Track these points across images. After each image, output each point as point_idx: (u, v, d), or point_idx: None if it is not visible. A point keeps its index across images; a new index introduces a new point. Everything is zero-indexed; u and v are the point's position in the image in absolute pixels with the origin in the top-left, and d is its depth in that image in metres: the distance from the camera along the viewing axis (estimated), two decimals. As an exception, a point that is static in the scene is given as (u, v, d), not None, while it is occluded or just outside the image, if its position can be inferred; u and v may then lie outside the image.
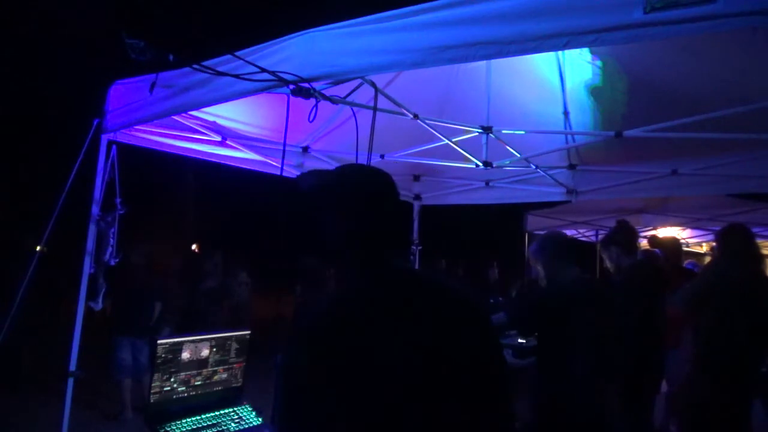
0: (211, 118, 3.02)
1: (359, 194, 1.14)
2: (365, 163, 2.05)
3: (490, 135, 3.01)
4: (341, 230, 1.12)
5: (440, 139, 3.06)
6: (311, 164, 3.92)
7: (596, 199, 4.46)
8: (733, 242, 3.15)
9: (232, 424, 2.13)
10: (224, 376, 2.27)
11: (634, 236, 3.52)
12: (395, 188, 1.20)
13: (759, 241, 3.50)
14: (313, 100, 2.04)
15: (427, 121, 2.84)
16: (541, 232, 7.92)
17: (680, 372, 3.70)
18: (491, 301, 5.89)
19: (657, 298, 3.34)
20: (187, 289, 7.49)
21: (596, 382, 2.46)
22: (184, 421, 2.03)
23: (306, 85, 1.98)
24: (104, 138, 2.89)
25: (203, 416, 2.10)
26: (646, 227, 6.56)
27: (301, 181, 1.20)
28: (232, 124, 3.21)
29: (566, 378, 2.42)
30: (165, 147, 3.18)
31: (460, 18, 1.68)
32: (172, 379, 2.07)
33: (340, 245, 1.13)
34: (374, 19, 1.87)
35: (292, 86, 1.98)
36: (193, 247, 17.40)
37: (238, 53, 2.08)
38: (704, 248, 8.66)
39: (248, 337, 2.34)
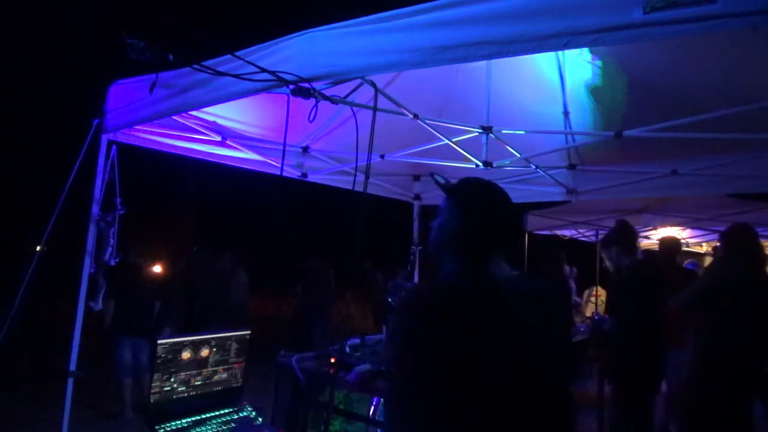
0: (211, 118, 3.02)
1: (480, 199, 1.32)
2: (366, 163, 2.04)
3: (490, 135, 3.01)
4: (460, 226, 1.28)
5: (440, 139, 3.06)
6: (311, 164, 3.93)
7: (596, 199, 4.46)
8: (737, 242, 3.15)
9: (232, 424, 2.13)
10: (224, 376, 2.27)
11: (634, 236, 3.52)
12: (513, 205, 1.35)
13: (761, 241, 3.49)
14: (313, 100, 2.04)
15: (427, 121, 2.83)
16: (543, 232, 7.96)
17: (681, 372, 3.71)
18: None
19: (657, 298, 3.34)
20: (187, 289, 7.50)
21: None
22: (184, 420, 2.03)
23: (306, 85, 1.98)
24: (104, 138, 2.90)
25: (203, 416, 2.11)
26: (646, 227, 6.56)
27: (437, 178, 1.42)
28: (232, 124, 3.21)
29: None
30: (165, 147, 3.18)
31: (460, 18, 1.68)
32: (172, 379, 2.07)
33: (455, 238, 1.28)
34: (374, 19, 1.87)
35: (292, 86, 1.98)
36: (194, 247, 17.41)
37: (238, 53, 2.08)
38: (704, 248, 8.67)
39: (248, 337, 2.35)
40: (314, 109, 2.05)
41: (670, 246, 4.66)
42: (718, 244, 4.31)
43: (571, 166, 3.87)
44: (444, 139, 3.06)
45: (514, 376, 1.11)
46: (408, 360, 1.09)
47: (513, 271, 1.30)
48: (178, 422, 2.02)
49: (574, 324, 4.74)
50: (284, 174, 3.70)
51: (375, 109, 2.12)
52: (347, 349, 2.58)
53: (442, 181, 1.40)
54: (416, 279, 4.44)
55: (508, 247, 1.32)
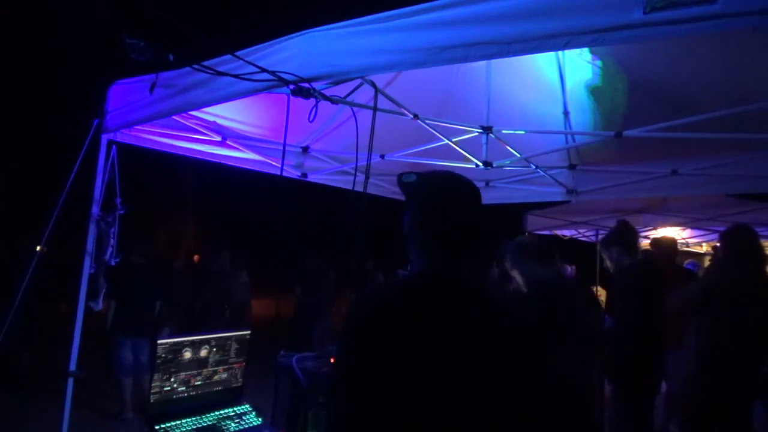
0: (211, 118, 3.02)
1: (433, 196, 1.24)
2: (366, 163, 2.04)
3: (490, 135, 3.01)
4: (413, 223, 1.24)
5: (440, 139, 3.05)
6: (311, 164, 3.92)
7: (596, 199, 4.46)
8: (737, 243, 3.15)
9: (232, 424, 2.13)
10: (224, 376, 2.27)
11: (635, 236, 3.52)
12: (474, 199, 1.26)
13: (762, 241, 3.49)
14: (313, 100, 2.04)
15: (427, 121, 2.83)
16: (543, 232, 7.95)
17: (681, 372, 3.71)
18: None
19: (657, 298, 3.34)
20: (187, 288, 7.51)
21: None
22: (184, 421, 2.03)
23: (306, 85, 1.98)
24: (104, 138, 2.90)
25: (203, 416, 2.11)
26: (646, 227, 6.56)
27: (405, 177, 1.35)
28: (232, 124, 3.20)
29: None
30: (165, 147, 3.18)
31: (460, 18, 1.68)
32: (172, 379, 2.07)
33: (409, 235, 1.25)
34: (374, 19, 1.87)
35: (292, 86, 1.98)
36: (194, 247, 17.41)
37: (238, 53, 2.08)
38: (704, 248, 8.66)
39: (248, 337, 2.35)
40: (314, 109, 2.05)
41: (669, 246, 4.66)
42: (717, 244, 4.31)
43: (571, 166, 3.87)
44: (444, 139, 3.05)
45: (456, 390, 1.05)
46: (342, 359, 1.09)
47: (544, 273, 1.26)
48: (178, 422, 2.02)
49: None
50: (284, 174, 3.70)
51: (375, 109, 2.12)
52: (347, 349, 2.57)
53: (411, 179, 1.33)
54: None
55: (474, 245, 1.23)
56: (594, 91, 3.15)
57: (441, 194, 1.23)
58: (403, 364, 1.02)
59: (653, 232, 6.96)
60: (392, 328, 1.04)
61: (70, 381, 2.74)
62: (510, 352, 1.14)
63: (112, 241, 2.96)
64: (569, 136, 3.60)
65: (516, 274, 2.66)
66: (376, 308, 1.09)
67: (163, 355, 2.03)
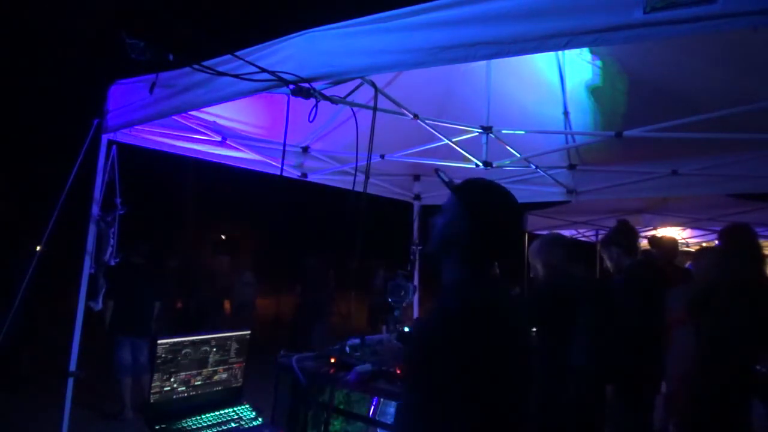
0: (211, 118, 3.02)
1: (491, 204, 1.30)
2: (366, 163, 2.04)
3: (490, 135, 3.01)
4: (468, 231, 1.26)
5: (440, 139, 3.05)
6: (311, 164, 3.92)
7: (596, 199, 4.45)
8: (736, 242, 3.15)
9: (232, 424, 2.13)
10: (224, 376, 2.27)
11: (635, 236, 3.52)
12: (522, 212, 1.38)
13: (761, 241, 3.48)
14: (313, 100, 2.04)
15: (427, 121, 2.83)
16: (542, 232, 7.95)
17: (673, 372, 3.72)
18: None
19: (657, 298, 3.34)
20: (187, 289, 7.50)
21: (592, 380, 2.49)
22: (184, 421, 2.03)
23: (306, 85, 1.98)
24: (104, 138, 2.89)
25: (203, 416, 2.11)
26: (646, 227, 6.56)
27: (442, 175, 1.38)
28: (232, 124, 3.20)
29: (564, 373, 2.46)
30: (165, 147, 3.18)
31: (460, 18, 1.68)
32: (172, 379, 2.07)
33: (460, 243, 1.27)
34: (374, 19, 1.87)
35: (292, 86, 1.98)
36: (193, 247, 17.39)
37: (238, 53, 2.08)
38: (704, 248, 8.65)
39: (248, 337, 2.35)
40: (314, 109, 2.05)
41: (671, 246, 4.66)
42: (704, 244, 4.32)
43: (571, 166, 3.87)
44: (444, 139, 3.05)
45: (523, 396, 1.20)
46: (425, 385, 1.12)
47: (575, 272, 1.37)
48: (178, 422, 2.02)
49: None
50: (284, 174, 3.70)
51: (375, 109, 2.12)
52: (347, 349, 2.58)
53: (446, 178, 1.37)
54: (416, 279, 4.44)
55: (512, 253, 1.33)
56: (594, 91, 3.15)
57: (508, 211, 1.31)
58: (485, 371, 1.10)
59: (653, 232, 6.96)
60: (475, 342, 1.10)
61: (70, 381, 2.74)
62: (528, 347, 1.29)
63: (112, 241, 2.96)
64: (569, 136, 3.60)
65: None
66: (462, 327, 1.12)
67: (163, 355, 2.03)
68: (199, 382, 2.16)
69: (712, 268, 3.54)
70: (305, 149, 3.73)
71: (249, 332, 2.36)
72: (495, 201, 1.30)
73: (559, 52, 2.94)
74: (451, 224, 1.29)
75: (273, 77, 1.97)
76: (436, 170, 1.36)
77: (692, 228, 7.13)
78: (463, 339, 1.09)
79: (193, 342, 2.13)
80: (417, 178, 4.75)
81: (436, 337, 1.13)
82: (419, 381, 1.15)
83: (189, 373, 2.12)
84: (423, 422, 1.12)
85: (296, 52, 2.02)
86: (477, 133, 3.02)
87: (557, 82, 3.21)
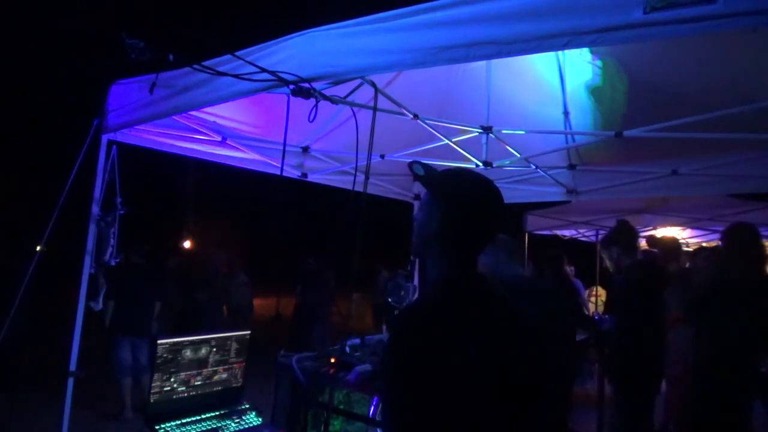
0: (211, 118, 3.02)
1: (473, 201, 1.22)
2: (366, 163, 2.04)
3: (490, 135, 3.01)
4: (441, 223, 1.21)
5: (440, 139, 3.06)
6: (311, 164, 3.92)
7: (596, 199, 4.46)
8: (738, 241, 3.15)
9: (232, 424, 2.13)
10: (224, 376, 2.27)
11: (635, 236, 3.52)
12: (502, 202, 1.27)
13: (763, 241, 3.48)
14: (313, 100, 2.04)
15: (427, 121, 2.83)
16: (543, 232, 7.95)
17: (674, 372, 3.72)
18: None
19: (657, 298, 3.34)
20: (179, 289, 7.47)
21: None
22: (184, 421, 2.03)
23: (306, 85, 1.98)
24: (104, 138, 2.89)
25: (203, 416, 2.11)
26: (646, 227, 6.56)
27: (416, 168, 1.28)
28: (232, 124, 3.20)
29: None
30: (165, 147, 3.18)
31: (460, 18, 1.68)
32: (172, 379, 2.07)
33: (436, 237, 1.22)
34: (374, 19, 1.87)
35: (292, 86, 1.98)
36: (193, 247, 17.40)
37: (238, 53, 2.08)
38: (704, 248, 8.65)
39: (248, 337, 2.35)
40: (314, 109, 2.05)
41: (672, 246, 4.65)
42: (704, 244, 4.31)
43: (571, 166, 3.87)
44: (444, 139, 3.05)
45: (508, 391, 1.11)
46: (399, 382, 1.05)
47: (519, 270, 1.28)
48: (178, 422, 2.02)
49: (588, 320, 4.76)
50: (284, 174, 3.70)
51: (375, 109, 2.12)
52: (347, 349, 2.58)
53: (421, 172, 1.27)
54: (416, 279, 4.44)
55: (493, 240, 1.27)
56: (594, 91, 3.15)
57: (481, 199, 1.22)
58: (460, 370, 1.05)
59: (653, 232, 6.97)
60: (447, 337, 1.06)
61: (70, 381, 2.74)
62: (526, 345, 1.20)
63: (112, 241, 2.96)
64: (569, 136, 3.60)
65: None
66: (431, 320, 1.08)
67: (163, 355, 2.03)
68: (199, 382, 2.17)
69: (712, 268, 3.54)
70: (305, 149, 3.73)
71: (249, 332, 2.36)
72: (465, 190, 1.22)
73: (559, 52, 2.94)
74: (425, 220, 1.25)
75: (273, 77, 1.97)
76: (411, 163, 1.27)
77: (692, 228, 7.12)
78: (426, 339, 1.04)
79: (193, 342, 2.13)
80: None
81: (398, 339, 1.09)
82: (387, 381, 1.11)
83: (189, 373, 2.12)
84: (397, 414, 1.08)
85: (296, 52, 2.02)
86: (477, 133, 3.02)
87: (557, 82, 3.21)
